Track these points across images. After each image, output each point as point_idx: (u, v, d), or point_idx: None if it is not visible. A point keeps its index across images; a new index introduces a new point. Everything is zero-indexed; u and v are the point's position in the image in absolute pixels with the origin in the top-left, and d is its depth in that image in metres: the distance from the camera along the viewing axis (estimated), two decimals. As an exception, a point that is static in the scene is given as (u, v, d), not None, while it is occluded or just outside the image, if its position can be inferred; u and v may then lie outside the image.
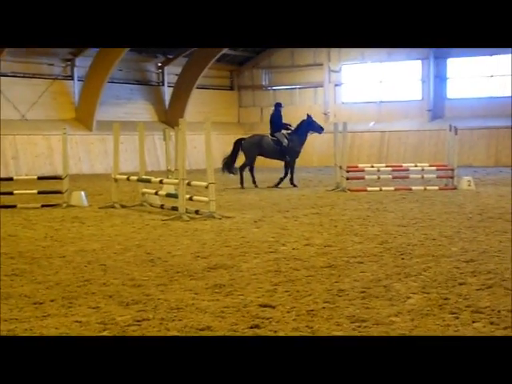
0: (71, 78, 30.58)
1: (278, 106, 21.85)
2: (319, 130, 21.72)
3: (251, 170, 20.80)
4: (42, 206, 14.70)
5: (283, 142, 20.97)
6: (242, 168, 20.75)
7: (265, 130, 36.35)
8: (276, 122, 21.29)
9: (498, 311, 5.53)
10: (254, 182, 20.48)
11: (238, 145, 20.95)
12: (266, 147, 20.97)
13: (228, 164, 20.66)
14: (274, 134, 21.14)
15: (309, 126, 21.54)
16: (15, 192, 15.20)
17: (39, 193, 15.34)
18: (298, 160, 21.33)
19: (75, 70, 30.49)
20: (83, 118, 30.10)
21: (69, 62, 30.46)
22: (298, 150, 21.21)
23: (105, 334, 5.14)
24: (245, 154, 20.83)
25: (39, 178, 16.83)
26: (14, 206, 14.59)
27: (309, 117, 21.72)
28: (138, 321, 5.46)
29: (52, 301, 6.22)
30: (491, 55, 32.17)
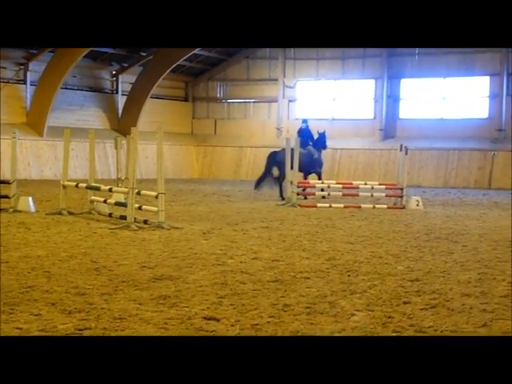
0: (24, 82, 30.21)
1: (305, 121, 23.07)
2: (325, 146, 22.82)
3: (281, 183, 20.97)
4: (-12, 210, 14.46)
5: (314, 155, 22.00)
6: (280, 180, 20.78)
7: (218, 142, 36.55)
8: (305, 136, 22.10)
9: (441, 331, 5.57)
10: (282, 194, 20.42)
11: (272, 158, 21.18)
12: (300, 160, 21.29)
13: (262, 179, 21.11)
14: (304, 148, 21.61)
15: (324, 141, 22.62)
16: (-40, 195, 14.93)
17: (-15, 197, 15.08)
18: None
19: (28, 74, 30.14)
20: (34, 123, 29.74)
21: (22, 66, 30.10)
22: (323, 162, 22.64)
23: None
24: (280, 166, 20.79)
25: (-14, 182, 16.56)
26: (-42, 209, 14.32)
27: (324, 132, 22.70)
28: (80, 329, 5.38)
29: (-8, 307, 6.10)
30: (444, 77, 32.69)
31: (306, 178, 22.07)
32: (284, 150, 21.16)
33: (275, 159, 21.06)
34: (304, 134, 22.25)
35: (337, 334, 5.43)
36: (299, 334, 4.97)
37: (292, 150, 18.99)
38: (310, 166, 21.98)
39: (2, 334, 5.19)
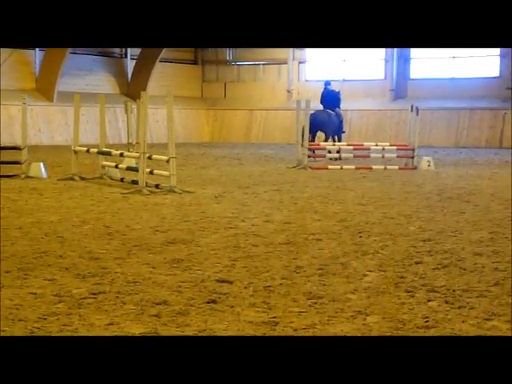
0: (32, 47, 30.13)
1: (328, 83, 23.01)
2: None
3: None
4: (0, 176, 14.51)
5: (341, 117, 22.54)
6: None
7: (228, 105, 36.44)
8: (331, 99, 22.36)
9: (453, 290, 5.59)
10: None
11: (314, 121, 20.74)
12: (332, 122, 21.75)
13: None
14: (333, 110, 22.21)
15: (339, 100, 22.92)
16: (-28, 162, 14.99)
17: (-3, 163, 15.14)
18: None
19: (36, 39, 30.00)
20: (44, 88, 29.72)
21: (30, 32, 29.96)
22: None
23: (60, 306, 5.10)
24: (323, 128, 21.76)
25: (-3, 149, 16.61)
26: (-29, 176, 14.39)
27: (338, 92, 23.06)
28: (94, 294, 5.42)
29: (7, 272, 6.15)
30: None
31: (334, 141, 22.11)
32: (320, 111, 21.39)
33: (317, 122, 21.11)
34: (330, 96, 22.52)
35: (349, 295, 5.46)
36: (298, 334, 4.99)
37: (320, 111, 19.25)
38: (339, 129, 22.17)
39: (16, 300, 5.24)
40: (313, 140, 21.06)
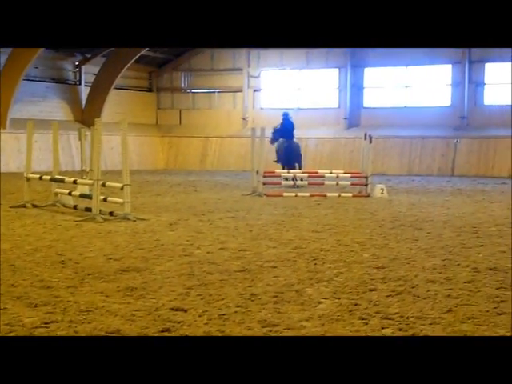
0: (-15, 73, 29.83)
1: (286, 114, 23.99)
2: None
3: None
4: (-50, 203, 14.28)
5: (300, 147, 23.46)
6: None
7: (183, 132, 36.42)
8: (291, 130, 23.32)
9: (407, 317, 5.62)
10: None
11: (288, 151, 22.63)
12: (292, 151, 22.84)
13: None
14: (290, 140, 23.14)
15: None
16: None
17: None
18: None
19: (-11, 65, 29.76)
20: (-4, 115, 29.39)
21: (-17, 58, 29.72)
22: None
23: (11, 335, 5.01)
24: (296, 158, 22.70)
25: None
26: None
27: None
28: (46, 323, 5.34)
29: (-43, 302, 6.03)
30: (407, 66, 32.89)
31: (300, 168, 22.60)
32: (289, 140, 22.28)
33: (292, 151, 22.57)
34: (291, 126, 23.42)
35: (303, 323, 5.46)
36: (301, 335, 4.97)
37: (290, 141, 19.88)
38: (297, 158, 22.58)
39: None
40: (293, 168, 21.56)
